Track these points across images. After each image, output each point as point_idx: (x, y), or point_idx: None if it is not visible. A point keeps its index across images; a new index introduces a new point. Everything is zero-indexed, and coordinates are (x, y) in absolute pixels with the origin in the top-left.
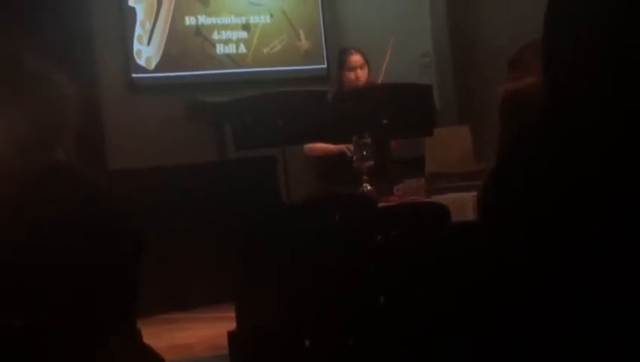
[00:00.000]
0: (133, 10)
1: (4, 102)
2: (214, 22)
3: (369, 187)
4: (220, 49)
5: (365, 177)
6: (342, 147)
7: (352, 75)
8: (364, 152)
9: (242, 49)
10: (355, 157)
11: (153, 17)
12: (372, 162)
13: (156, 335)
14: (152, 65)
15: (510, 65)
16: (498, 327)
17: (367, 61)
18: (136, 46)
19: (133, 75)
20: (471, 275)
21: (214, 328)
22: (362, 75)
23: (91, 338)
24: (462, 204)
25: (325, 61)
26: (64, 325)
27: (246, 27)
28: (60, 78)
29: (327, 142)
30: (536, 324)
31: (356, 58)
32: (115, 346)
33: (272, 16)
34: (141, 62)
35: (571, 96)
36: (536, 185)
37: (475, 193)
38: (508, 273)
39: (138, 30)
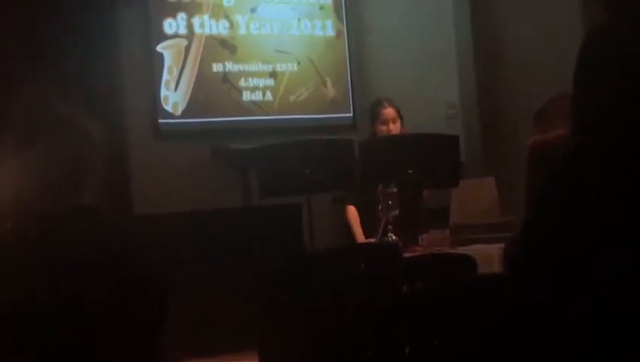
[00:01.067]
0: (161, 55)
1: (30, 144)
2: (241, 69)
3: (394, 237)
4: (247, 96)
5: (390, 227)
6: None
7: (384, 128)
8: (390, 202)
9: (269, 96)
10: (380, 207)
11: (181, 63)
12: (397, 212)
13: None
14: (179, 111)
15: (536, 119)
16: None
17: (399, 114)
18: (163, 92)
19: (160, 121)
20: (496, 327)
21: None
22: (395, 128)
23: None
24: (487, 256)
25: (351, 109)
26: None
27: (273, 75)
28: (86, 122)
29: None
30: None
31: (389, 111)
32: None
33: (299, 64)
34: (168, 107)
35: (599, 149)
36: (564, 238)
37: (500, 245)
38: (534, 325)
39: (165, 76)
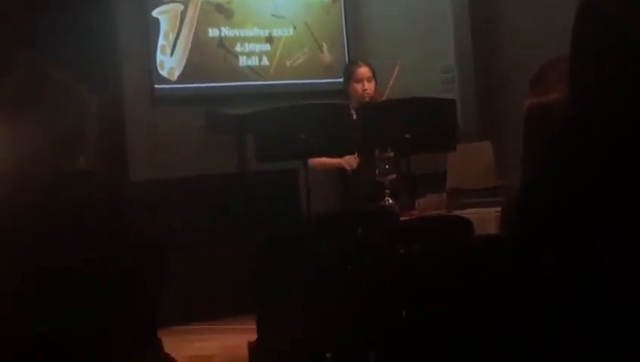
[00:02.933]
0: (156, 21)
1: (25, 110)
2: (237, 34)
3: (391, 201)
4: (243, 61)
5: (387, 191)
6: (340, 161)
7: (359, 87)
8: (387, 166)
9: (265, 61)
10: (377, 171)
11: (177, 28)
12: (394, 176)
13: (177, 346)
14: (175, 77)
15: (532, 84)
16: (519, 340)
17: (374, 74)
18: (159, 57)
19: (156, 86)
20: (493, 289)
21: (234, 339)
22: (369, 87)
23: (113, 349)
24: (483, 219)
25: None
26: (85, 336)
27: (269, 40)
28: (81, 87)
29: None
30: (557, 338)
31: (364, 70)
32: (136, 356)
33: (295, 28)
34: (164, 73)
35: (597, 112)
36: (562, 202)
37: (497, 209)
38: (531, 287)
39: (161, 41)
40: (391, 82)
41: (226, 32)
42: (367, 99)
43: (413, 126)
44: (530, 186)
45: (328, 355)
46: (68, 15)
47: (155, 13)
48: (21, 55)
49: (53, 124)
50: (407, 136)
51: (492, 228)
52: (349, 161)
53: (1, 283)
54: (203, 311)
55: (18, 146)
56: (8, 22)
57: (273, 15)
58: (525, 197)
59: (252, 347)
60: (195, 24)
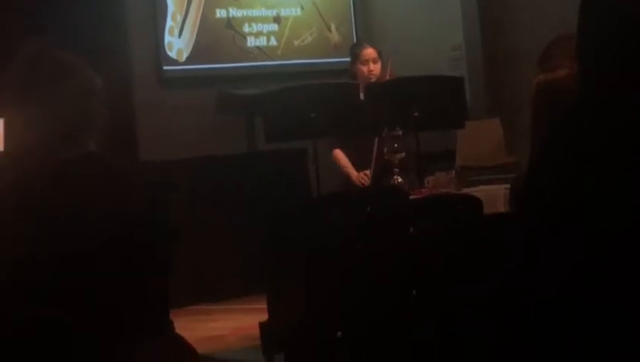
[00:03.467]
0: (164, 2)
1: (33, 93)
2: (245, 14)
3: (400, 179)
4: (251, 41)
5: (396, 169)
6: (358, 177)
7: (364, 69)
8: (396, 145)
9: (273, 41)
10: (385, 150)
11: (184, 9)
12: (403, 154)
13: (189, 326)
14: (183, 58)
15: (539, 61)
16: (526, 315)
17: (380, 55)
18: (167, 38)
19: (164, 68)
20: (502, 266)
21: (246, 319)
22: (375, 68)
23: (126, 329)
24: (492, 196)
25: None
26: (96, 317)
27: (277, 19)
28: (90, 70)
29: (356, 142)
30: (563, 313)
31: (370, 51)
32: (149, 337)
33: (302, 8)
34: (172, 54)
35: (604, 89)
36: (569, 178)
37: (506, 186)
38: (538, 263)
39: (169, 22)
40: (387, 75)
41: (234, 12)
42: (372, 80)
43: (421, 104)
44: (539, 162)
45: (339, 334)
46: None
47: None
48: (28, 40)
49: (61, 108)
50: (415, 114)
51: (501, 205)
52: (361, 179)
53: (15, 266)
54: (215, 292)
55: (27, 130)
56: (13, 8)
57: None
58: (533, 173)
59: (263, 326)
60: (202, 5)
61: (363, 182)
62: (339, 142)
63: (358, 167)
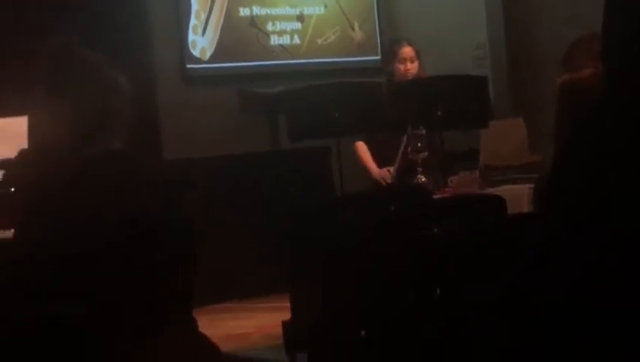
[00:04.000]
0: (188, 0)
1: (57, 91)
2: (269, 12)
3: (423, 178)
4: (274, 40)
5: (420, 169)
6: (380, 173)
7: (401, 67)
8: (419, 144)
9: (296, 40)
10: (409, 149)
11: (208, 8)
12: (426, 153)
13: (212, 324)
14: (207, 56)
15: (563, 61)
16: (548, 315)
17: (418, 54)
18: (190, 36)
19: (188, 66)
20: (526, 267)
21: (269, 317)
22: (412, 67)
23: (150, 327)
24: (516, 196)
25: (379, 52)
26: (121, 314)
27: (300, 18)
28: (112, 68)
29: (380, 137)
30: (586, 313)
31: (408, 50)
32: (172, 335)
33: (326, 7)
34: (195, 52)
35: (629, 89)
36: (593, 178)
37: (530, 185)
38: (562, 264)
39: (193, 21)
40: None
41: (257, 10)
42: (409, 78)
43: (445, 103)
44: (562, 162)
45: (362, 333)
46: None
47: None
48: (53, 39)
49: (84, 106)
50: (439, 113)
51: (525, 205)
52: (383, 174)
53: (39, 260)
54: (238, 290)
55: (52, 128)
56: (38, 8)
57: None
58: (557, 173)
59: (286, 325)
60: (226, 3)
61: (386, 178)
62: (363, 135)
63: (379, 164)
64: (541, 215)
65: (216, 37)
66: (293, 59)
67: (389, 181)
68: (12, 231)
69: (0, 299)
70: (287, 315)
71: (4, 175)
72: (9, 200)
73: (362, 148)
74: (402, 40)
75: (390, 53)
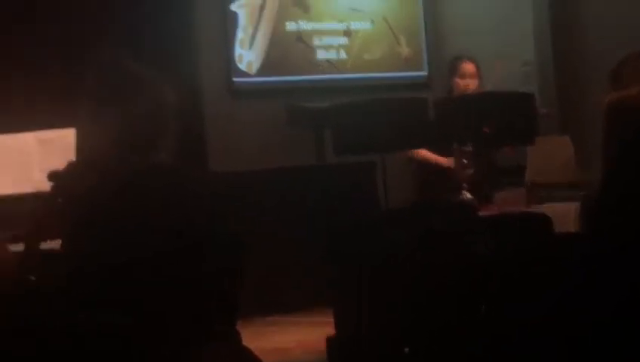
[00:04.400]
0: (235, 14)
1: (104, 104)
2: (315, 27)
3: (469, 195)
4: (321, 54)
5: (465, 185)
6: (440, 159)
7: (461, 83)
8: (465, 160)
9: (343, 55)
10: (455, 165)
11: (255, 22)
12: (472, 170)
13: (255, 337)
14: (253, 70)
15: (611, 79)
16: (595, 335)
17: (479, 72)
18: (237, 50)
19: (235, 79)
20: (573, 286)
21: (313, 332)
22: (472, 83)
23: (195, 338)
24: (563, 214)
25: (426, 68)
26: (166, 326)
27: (347, 33)
28: (160, 81)
29: (431, 151)
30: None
31: (469, 66)
32: (217, 347)
33: (373, 22)
34: (242, 66)
35: None
36: None
37: (577, 203)
38: (608, 283)
39: (240, 34)
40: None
41: (304, 25)
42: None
43: (491, 120)
44: (610, 181)
45: (406, 350)
46: (147, 9)
47: (233, 6)
48: (99, 53)
49: (132, 119)
50: (485, 129)
51: (571, 223)
52: (449, 161)
53: (88, 271)
54: (282, 304)
55: (100, 141)
56: (85, 20)
57: (351, 9)
58: (604, 192)
59: (330, 341)
60: (273, 17)
61: (465, 159)
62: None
63: (428, 184)
64: (588, 234)
65: (263, 51)
66: (340, 74)
67: (452, 165)
68: (60, 242)
69: (49, 309)
70: (329, 330)
71: (52, 187)
72: (57, 212)
73: (421, 150)
74: (463, 56)
75: (451, 68)
